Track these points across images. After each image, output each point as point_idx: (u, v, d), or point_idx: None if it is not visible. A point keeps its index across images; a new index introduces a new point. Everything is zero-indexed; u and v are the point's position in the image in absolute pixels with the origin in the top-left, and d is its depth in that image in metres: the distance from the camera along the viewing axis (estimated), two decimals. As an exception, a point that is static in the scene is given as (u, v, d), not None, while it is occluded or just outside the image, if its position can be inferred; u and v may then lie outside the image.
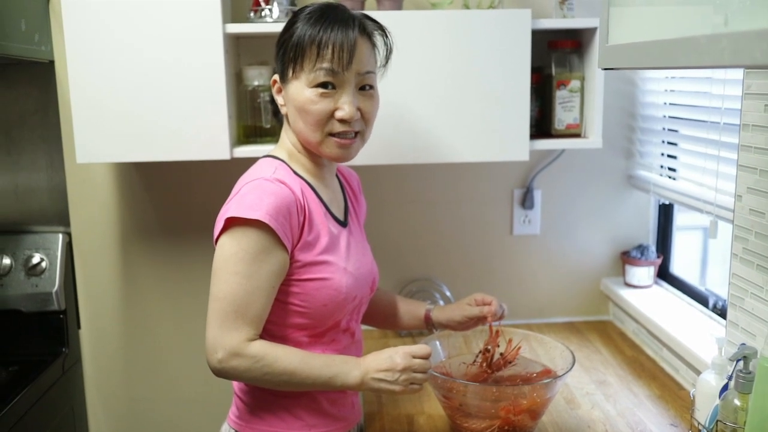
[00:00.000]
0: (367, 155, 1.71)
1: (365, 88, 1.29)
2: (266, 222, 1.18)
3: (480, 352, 1.50)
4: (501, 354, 1.49)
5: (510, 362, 1.48)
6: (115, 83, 1.65)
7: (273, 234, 1.19)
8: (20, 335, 1.94)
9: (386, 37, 1.34)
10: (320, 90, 1.25)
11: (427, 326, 1.55)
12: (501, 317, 1.49)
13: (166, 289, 2.06)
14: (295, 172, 1.31)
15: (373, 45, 1.30)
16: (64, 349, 1.95)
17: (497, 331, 1.48)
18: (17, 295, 1.92)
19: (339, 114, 1.25)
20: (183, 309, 2.05)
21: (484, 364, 1.48)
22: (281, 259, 1.22)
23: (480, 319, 1.49)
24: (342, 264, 1.30)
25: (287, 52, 1.27)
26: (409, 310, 1.58)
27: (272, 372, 1.21)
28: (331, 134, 1.27)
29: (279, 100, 1.33)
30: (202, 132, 1.68)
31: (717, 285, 1.87)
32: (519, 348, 1.50)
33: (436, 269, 2.10)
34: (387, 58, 1.36)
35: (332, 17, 1.24)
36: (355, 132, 1.29)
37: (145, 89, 1.66)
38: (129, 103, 1.66)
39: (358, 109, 1.27)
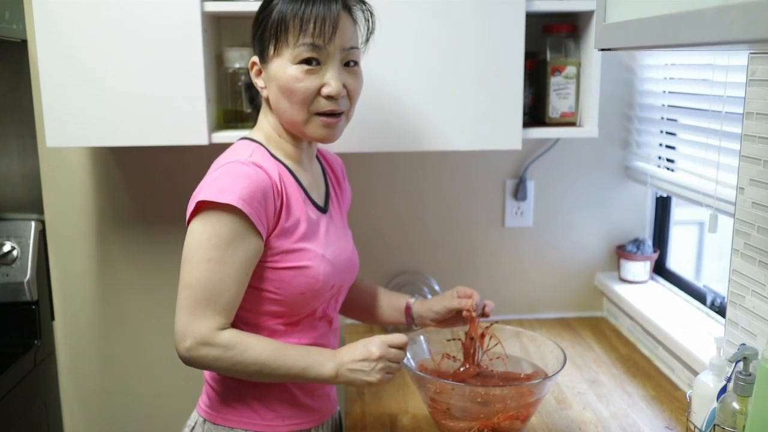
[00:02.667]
0: (354, 143, 1.65)
1: (350, 64, 1.26)
2: (239, 207, 1.14)
3: (453, 338, 1.46)
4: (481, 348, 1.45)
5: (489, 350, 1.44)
6: (87, 63, 1.57)
7: (247, 219, 1.16)
8: (-10, 327, 1.87)
9: (367, 12, 1.31)
10: (305, 67, 1.21)
11: (407, 318, 1.50)
12: (484, 314, 1.44)
13: (143, 278, 1.99)
14: (272, 156, 1.27)
15: (355, 20, 1.28)
16: (36, 342, 1.88)
17: (473, 318, 1.42)
18: (-13, 285, 1.84)
19: (326, 90, 1.22)
20: (160, 299, 1.99)
21: (464, 353, 1.44)
22: (255, 245, 1.18)
23: (459, 312, 1.43)
24: (320, 251, 1.26)
25: (267, 30, 1.23)
26: (391, 302, 1.53)
27: (243, 362, 1.18)
28: (317, 113, 1.24)
29: (259, 83, 1.29)
30: (179, 116, 1.61)
31: (712, 281, 1.82)
32: (487, 329, 1.44)
33: (425, 262, 2.04)
34: (369, 34, 1.33)
35: None
36: (339, 112, 1.25)
37: (119, 70, 1.58)
38: (102, 85, 1.59)
39: (344, 85, 1.24)
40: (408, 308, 1.50)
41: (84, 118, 1.60)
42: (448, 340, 1.46)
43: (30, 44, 1.83)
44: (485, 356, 1.45)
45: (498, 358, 1.44)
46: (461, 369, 1.43)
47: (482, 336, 1.44)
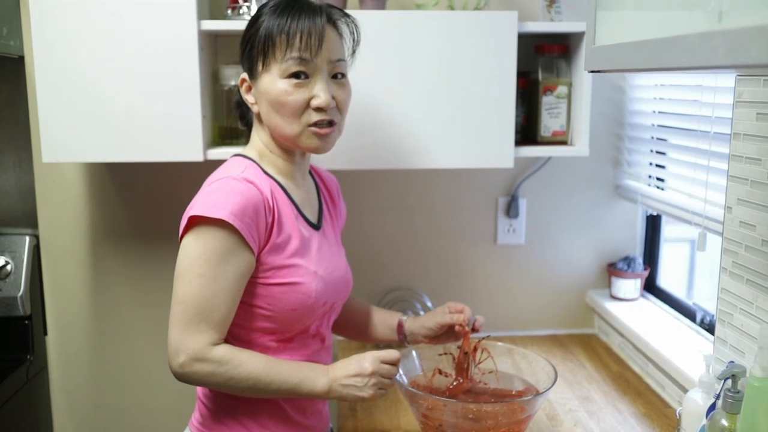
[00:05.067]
0: (347, 160, 1.66)
1: (337, 76, 1.28)
2: (230, 222, 1.15)
3: (444, 353, 1.46)
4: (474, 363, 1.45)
5: (480, 362, 1.45)
6: (84, 79, 1.58)
7: (238, 235, 1.16)
8: (-18, 341, 1.86)
9: (352, 25, 1.33)
10: (293, 80, 1.23)
11: (399, 336, 1.51)
12: (474, 329, 1.44)
13: (137, 294, 1.99)
14: (265, 172, 1.28)
15: (340, 34, 1.30)
16: (28, 357, 1.88)
17: (466, 333, 1.43)
18: (-20, 300, 1.84)
19: (315, 102, 1.23)
20: (154, 315, 1.98)
21: (456, 367, 1.44)
22: (247, 260, 1.19)
23: (451, 328, 1.44)
24: (312, 267, 1.27)
25: (255, 46, 1.25)
26: (383, 319, 1.53)
27: (236, 377, 1.18)
28: (309, 125, 1.25)
29: (249, 99, 1.30)
30: (175, 132, 1.62)
31: (704, 299, 1.82)
32: (479, 342, 1.46)
33: (417, 279, 2.05)
34: (355, 46, 1.35)
35: (297, 7, 1.24)
36: (330, 121, 1.26)
37: (115, 86, 1.59)
38: (98, 101, 1.59)
39: (333, 97, 1.25)
40: (400, 325, 1.50)
41: (80, 133, 1.60)
42: (440, 355, 1.47)
43: (27, 60, 1.84)
44: (477, 370, 1.45)
45: (490, 372, 1.45)
46: (454, 383, 1.43)
47: (474, 350, 1.44)
